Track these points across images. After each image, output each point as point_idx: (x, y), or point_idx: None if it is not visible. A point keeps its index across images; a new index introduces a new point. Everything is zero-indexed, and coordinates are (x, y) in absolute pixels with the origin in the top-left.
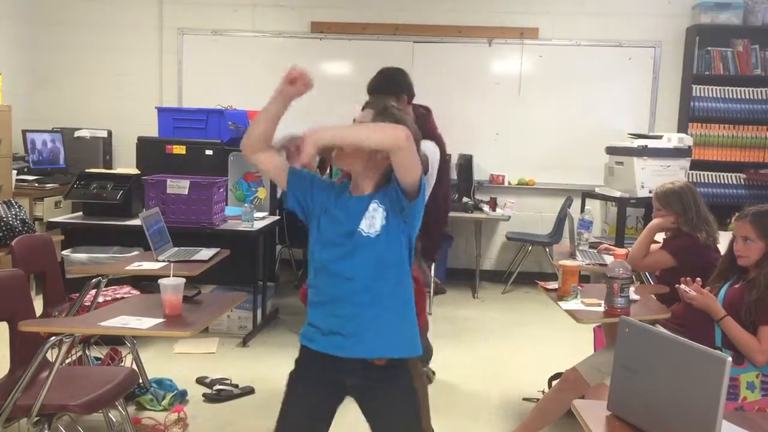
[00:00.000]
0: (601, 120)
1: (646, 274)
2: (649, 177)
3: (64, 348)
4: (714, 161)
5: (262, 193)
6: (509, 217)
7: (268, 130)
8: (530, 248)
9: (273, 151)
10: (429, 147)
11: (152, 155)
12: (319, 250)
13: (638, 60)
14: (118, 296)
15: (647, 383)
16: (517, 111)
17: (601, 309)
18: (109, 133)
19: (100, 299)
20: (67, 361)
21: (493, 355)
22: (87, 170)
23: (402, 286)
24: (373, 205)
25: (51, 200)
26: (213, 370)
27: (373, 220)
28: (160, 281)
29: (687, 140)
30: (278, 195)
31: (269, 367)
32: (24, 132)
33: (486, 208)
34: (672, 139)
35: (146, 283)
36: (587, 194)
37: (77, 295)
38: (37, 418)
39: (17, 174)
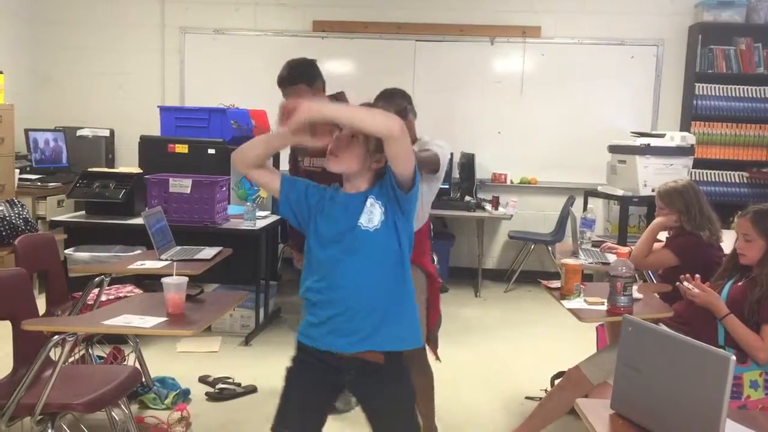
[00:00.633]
0: (603, 118)
1: (649, 272)
2: (652, 175)
3: (67, 347)
4: (717, 160)
5: (265, 192)
6: (511, 215)
7: (264, 157)
8: (533, 247)
9: (266, 169)
10: (441, 145)
11: (154, 154)
12: (318, 249)
13: (641, 58)
14: (120, 295)
15: (650, 382)
16: (520, 109)
17: (604, 308)
18: (112, 132)
19: (103, 298)
20: (70, 359)
21: (496, 354)
22: (89, 169)
23: (402, 279)
24: (370, 200)
25: (53, 199)
26: (216, 369)
27: (372, 215)
28: (163, 280)
29: (690, 139)
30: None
31: (272, 366)
32: (26, 131)
33: (488, 206)
34: (675, 137)
35: (149, 282)
36: (590, 193)
37: (80, 293)
38: (41, 416)
39: (20, 173)
